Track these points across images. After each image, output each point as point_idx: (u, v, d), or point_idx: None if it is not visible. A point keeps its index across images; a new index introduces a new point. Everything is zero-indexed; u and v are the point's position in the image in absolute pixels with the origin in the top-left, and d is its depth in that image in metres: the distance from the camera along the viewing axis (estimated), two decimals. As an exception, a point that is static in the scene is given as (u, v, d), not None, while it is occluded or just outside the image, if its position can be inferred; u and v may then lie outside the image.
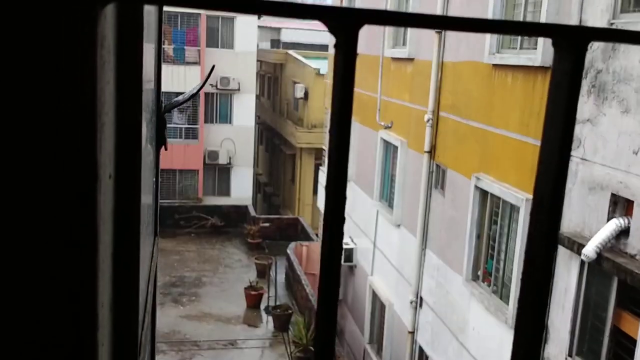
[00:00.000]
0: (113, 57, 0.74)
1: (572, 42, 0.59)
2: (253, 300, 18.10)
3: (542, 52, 7.57)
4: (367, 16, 0.55)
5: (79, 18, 0.52)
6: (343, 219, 0.53)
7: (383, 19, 0.59)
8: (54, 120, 0.54)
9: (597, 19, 6.68)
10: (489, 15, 8.84)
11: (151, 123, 1.71)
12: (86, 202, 0.55)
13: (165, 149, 1.88)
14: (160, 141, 1.81)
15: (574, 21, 7.03)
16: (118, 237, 0.85)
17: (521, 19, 8.41)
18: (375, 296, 13.73)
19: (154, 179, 1.81)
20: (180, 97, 2.36)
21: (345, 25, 0.53)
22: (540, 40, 7.66)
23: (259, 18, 27.86)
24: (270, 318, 17.28)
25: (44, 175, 0.55)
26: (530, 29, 0.67)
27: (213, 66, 2.96)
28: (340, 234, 0.53)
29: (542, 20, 7.63)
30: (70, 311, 0.59)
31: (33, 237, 0.55)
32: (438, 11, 10.42)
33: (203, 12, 25.80)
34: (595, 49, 6.69)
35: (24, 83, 0.52)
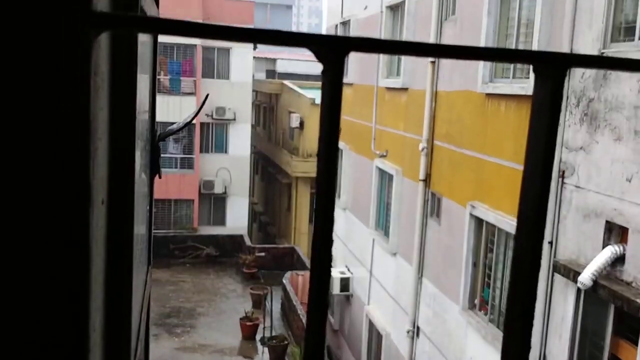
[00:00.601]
0: (107, 84, 0.75)
1: (551, 68, 0.61)
2: (248, 331, 17.92)
3: (533, 81, 7.65)
4: (353, 43, 0.57)
5: (72, 46, 0.54)
6: (331, 241, 0.54)
7: (368, 46, 0.61)
8: (47, 144, 0.55)
9: (587, 48, 6.78)
10: (482, 45, 8.96)
11: (145, 151, 1.73)
12: (79, 225, 0.56)
13: (159, 177, 1.90)
14: (154, 170, 1.83)
15: (564, 50, 7.13)
16: (111, 264, 0.85)
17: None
18: (371, 325, 13.62)
19: (148, 207, 1.82)
20: (174, 125, 2.38)
21: (332, 52, 0.55)
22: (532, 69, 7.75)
23: (254, 49, 28.13)
24: (266, 349, 17.09)
25: (37, 197, 0.56)
26: (511, 56, 0.68)
27: (207, 95, 3.00)
28: (329, 256, 0.54)
29: (534, 49, 7.73)
30: (61, 335, 0.60)
31: (24, 257, 0.56)
32: (431, 41, 10.54)
33: (199, 43, 26.05)
34: (587, 77, 6.77)
35: (23, 105, 0.53)
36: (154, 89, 2.04)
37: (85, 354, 0.62)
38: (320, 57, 0.56)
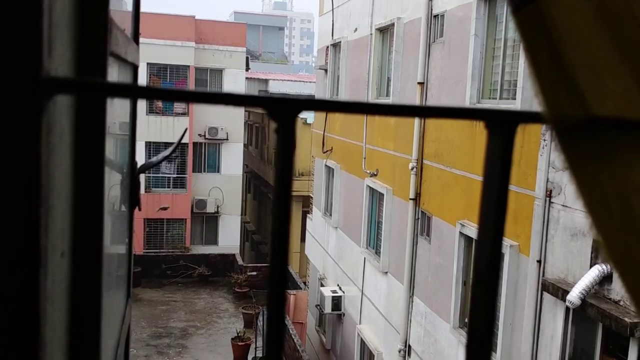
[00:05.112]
0: (68, 138, 0.76)
1: (502, 124, 0.62)
2: (240, 351, 17.80)
3: (520, 101, 7.73)
4: (303, 104, 0.59)
5: (20, 112, 0.55)
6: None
7: (318, 106, 0.63)
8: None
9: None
10: (469, 67, 9.05)
11: (124, 185, 1.73)
12: (27, 291, 0.57)
13: (139, 210, 1.91)
14: (134, 202, 1.84)
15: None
16: (76, 313, 0.85)
17: (500, 70, 8.61)
18: (363, 345, 13.56)
19: (127, 240, 1.82)
20: (154, 159, 2.40)
21: (283, 112, 0.57)
22: (519, 89, 7.83)
23: (247, 69, 28.26)
24: (258, 369, 16.98)
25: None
26: (463, 113, 0.70)
27: (185, 129, 3.04)
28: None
29: (520, 71, 7.82)
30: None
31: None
32: (420, 66, 10.63)
33: (192, 64, 26.15)
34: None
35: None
36: (135, 117, 2.05)
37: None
38: (273, 117, 0.58)
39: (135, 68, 1.83)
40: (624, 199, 0.50)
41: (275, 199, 0.56)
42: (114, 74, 1.35)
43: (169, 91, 0.58)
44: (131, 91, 0.56)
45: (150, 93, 0.59)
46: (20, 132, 0.54)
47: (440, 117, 0.64)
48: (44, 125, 0.58)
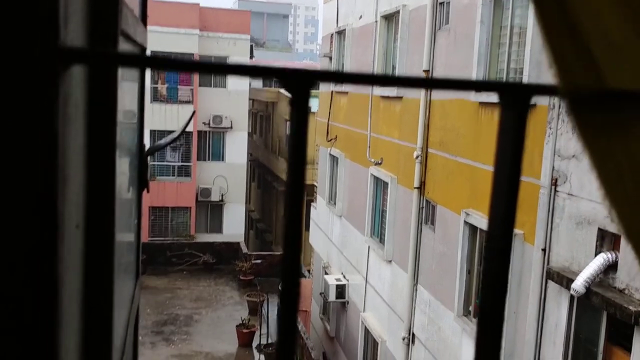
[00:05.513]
0: (82, 110, 0.77)
1: (516, 97, 0.63)
2: (245, 338, 17.90)
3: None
4: (317, 75, 0.59)
5: (39, 82, 0.55)
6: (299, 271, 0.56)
7: (332, 78, 0.63)
8: (11, 179, 0.56)
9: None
10: (475, 54, 9.01)
11: (133, 166, 1.74)
12: (45, 253, 0.58)
13: (147, 192, 1.92)
14: (142, 184, 1.84)
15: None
16: (89, 285, 0.87)
17: (505, 57, 8.57)
18: (367, 333, 13.61)
19: (136, 221, 1.83)
20: (162, 141, 2.42)
21: (298, 84, 0.57)
22: (525, 77, 7.80)
23: (250, 58, 28.19)
24: (262, 356, 17.06)
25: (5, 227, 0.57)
26: (477, 86, 0.71)
27: (193, 112, 3.06)
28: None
29: (527, 57, 7.78)
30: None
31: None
32: (425, 53, 10.60)
33: (196, 52, 26.11)
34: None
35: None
36: (143, 98, 2.06)
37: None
38: (287, 88, 0.59)
39: (143, 50, 1.83)
40: (638, 171, 0.51)
41: (289, 171, 0.56)
42: (124, 54, 1.35)
43: (183, 62, 0.59)
44: (145, 61, 0.56)
45: (164, 64, 0.60)
46: (39, 100, 0.55)
47: (454, 89, 0.64)
48: (62, 95, 0.59)
